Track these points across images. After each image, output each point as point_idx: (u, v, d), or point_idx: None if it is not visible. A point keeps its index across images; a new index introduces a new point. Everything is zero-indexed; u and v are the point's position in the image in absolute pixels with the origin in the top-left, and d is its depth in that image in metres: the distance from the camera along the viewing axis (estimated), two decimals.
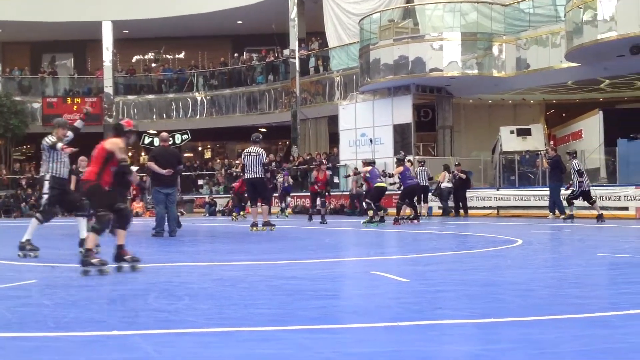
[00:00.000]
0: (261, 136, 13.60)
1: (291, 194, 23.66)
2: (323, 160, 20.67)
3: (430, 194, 20.40)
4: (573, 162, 16.02)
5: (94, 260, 6.47)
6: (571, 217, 16.05)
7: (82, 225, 8.57)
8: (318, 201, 18.48)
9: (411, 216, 16.41)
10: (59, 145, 8.27)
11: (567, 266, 6.92)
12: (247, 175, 13.02)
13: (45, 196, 8.36)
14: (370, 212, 15.20)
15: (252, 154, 12.87)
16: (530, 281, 5.70)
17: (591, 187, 15.91)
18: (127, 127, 7.06)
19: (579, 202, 16.59)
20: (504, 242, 9.63)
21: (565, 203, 16.42)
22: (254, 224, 13.25)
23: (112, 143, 6.73)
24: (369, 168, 15.75)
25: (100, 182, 6.68)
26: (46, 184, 8.33)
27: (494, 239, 10.50)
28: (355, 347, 3.36)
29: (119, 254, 6.74)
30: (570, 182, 16.31)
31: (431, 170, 20.89)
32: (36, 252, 8.23)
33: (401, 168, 16.12)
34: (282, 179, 22.05)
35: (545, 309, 4.30)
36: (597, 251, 8.28)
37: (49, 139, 8.32)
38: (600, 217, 15.13)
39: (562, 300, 4.70)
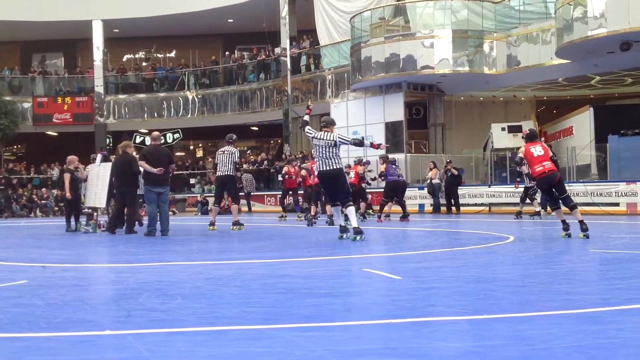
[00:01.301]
0: (235, 137, 13.66)
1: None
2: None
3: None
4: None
5: None
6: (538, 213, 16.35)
7: (351, 215, 9.79)
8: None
9: (387, 214, 16.36)
10: (368, 142, 10.32)
11: (558, 262, 6.95)
12: (218, 173, 13.27)
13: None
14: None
15: (225, 152, 13.08)
16: (522, 277, 5.73)
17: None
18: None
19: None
20: (495, 239, 9.66)
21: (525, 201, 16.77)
22: (212, 223, 13.34)
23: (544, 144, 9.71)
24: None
25: None
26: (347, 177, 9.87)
27: (485, 236, 10.53)
28: (348, 345, 3.36)
29: None
30: (518, 179, 16.50)
31: (422, 168, 20.94)
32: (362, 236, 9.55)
33: (385, 165, 16.25)
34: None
35: (536, 305, 4.32)
36: (589, 247, 8.32)
37: (343, 136, 10.08)
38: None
39: (554, 297, 4.72)
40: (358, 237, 9.47)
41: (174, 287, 5.34)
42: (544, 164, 9.59)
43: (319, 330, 3.69)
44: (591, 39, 17.46)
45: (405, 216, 16.15)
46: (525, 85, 24.08)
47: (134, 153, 13.12)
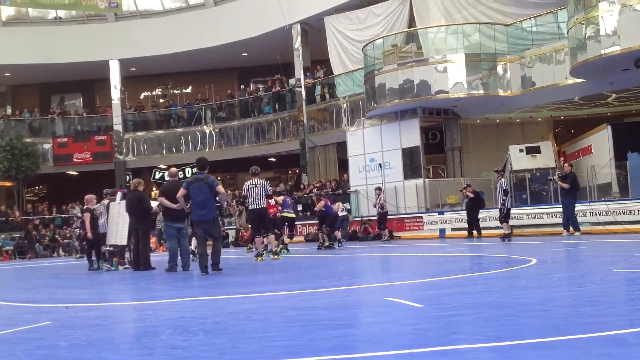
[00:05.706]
0: (259, 168, 14.29)
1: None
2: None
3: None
4: (501, 181, 16.90)
5: None
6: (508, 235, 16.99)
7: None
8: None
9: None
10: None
11: (582, 284, 6.86)
12: (252, 206, 13.88)
13: None
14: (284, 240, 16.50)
15: (257, 186, 13.81)
16: (545, 301, 5.66)
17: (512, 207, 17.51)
18: None
19: (593, 218, 16.52)
20: (518, 262, 9.58)
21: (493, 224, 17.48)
22: (259, 254, 13.76)
23: None
24: (281, 198, 16.63)
25: None
26: None
27: (508, 259, 10.45)
28: None
29: None
30: (503, 199, 17.07)
31: (442, 192, 20.95)
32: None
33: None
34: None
35: (560, 330, 4.27)
36: (612, 267, 8.22)
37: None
38: (507, 236, 16.69)
39: (578, 320, 4.66)
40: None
41: (196, 323, 5.35)
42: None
43: None
44: (605, 57, 17.40)
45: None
46: (541, 105, 23.98)
47: (154, 189, 13.24)
